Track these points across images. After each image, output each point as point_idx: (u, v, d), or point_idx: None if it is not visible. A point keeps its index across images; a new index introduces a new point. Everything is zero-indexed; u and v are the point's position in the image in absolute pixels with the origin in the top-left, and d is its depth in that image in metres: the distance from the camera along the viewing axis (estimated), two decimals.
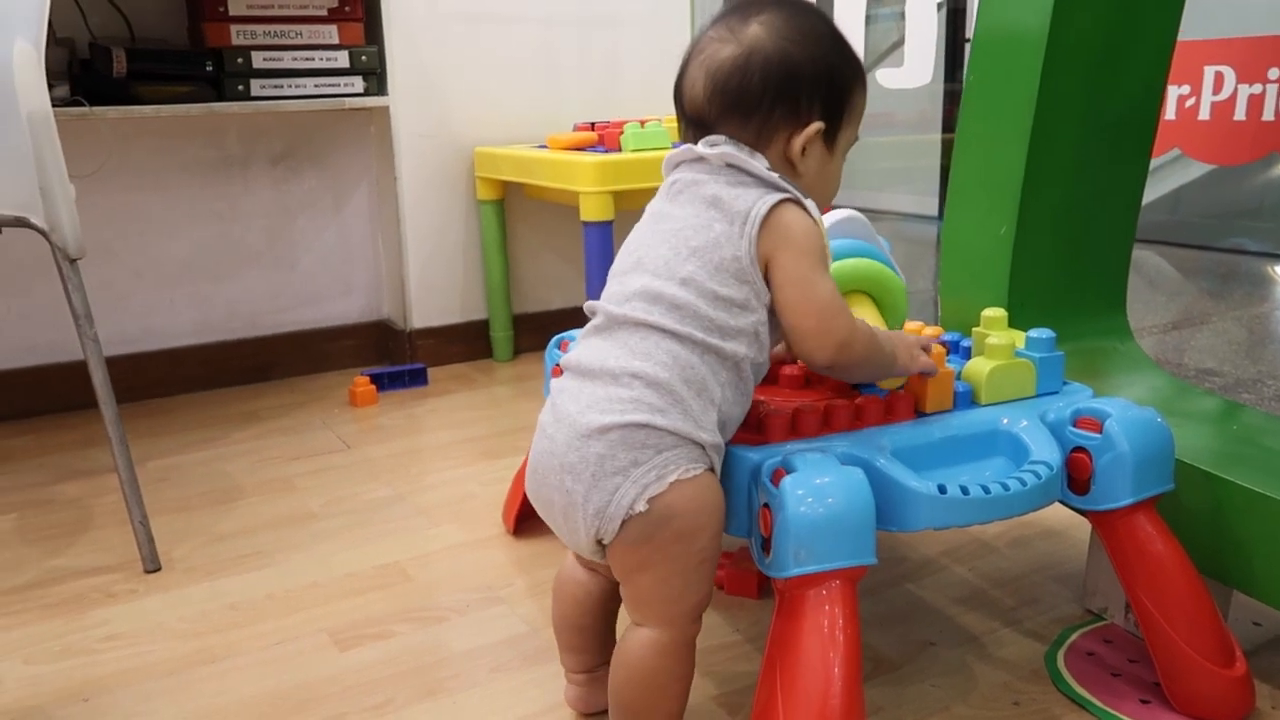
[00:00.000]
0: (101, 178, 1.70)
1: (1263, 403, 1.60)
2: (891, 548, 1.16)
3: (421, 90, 1.86)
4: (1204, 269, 2.68)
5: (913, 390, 0.84)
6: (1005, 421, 0.83)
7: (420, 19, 1.83)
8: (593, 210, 1.59)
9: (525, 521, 1.21)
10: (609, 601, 0.84)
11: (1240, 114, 1.37)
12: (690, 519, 0.71)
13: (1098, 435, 0.80)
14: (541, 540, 1.20)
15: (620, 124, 1.72)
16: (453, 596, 1.08)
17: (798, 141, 0.78)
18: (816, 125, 0.78)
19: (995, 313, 0.90)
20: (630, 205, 1.39)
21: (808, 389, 0.88)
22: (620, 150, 1.65)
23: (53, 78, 1.14)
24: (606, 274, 0.80)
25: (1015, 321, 0.98)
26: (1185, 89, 1.43)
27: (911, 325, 1.00)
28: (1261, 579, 0.83)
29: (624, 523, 0.71)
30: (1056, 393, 0.88)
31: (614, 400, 0.71)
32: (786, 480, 0.70)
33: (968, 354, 0.95)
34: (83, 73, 1.61)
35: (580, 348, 0.77)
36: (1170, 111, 1.45)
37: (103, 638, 1.02)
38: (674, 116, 0.83)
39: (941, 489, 0.73)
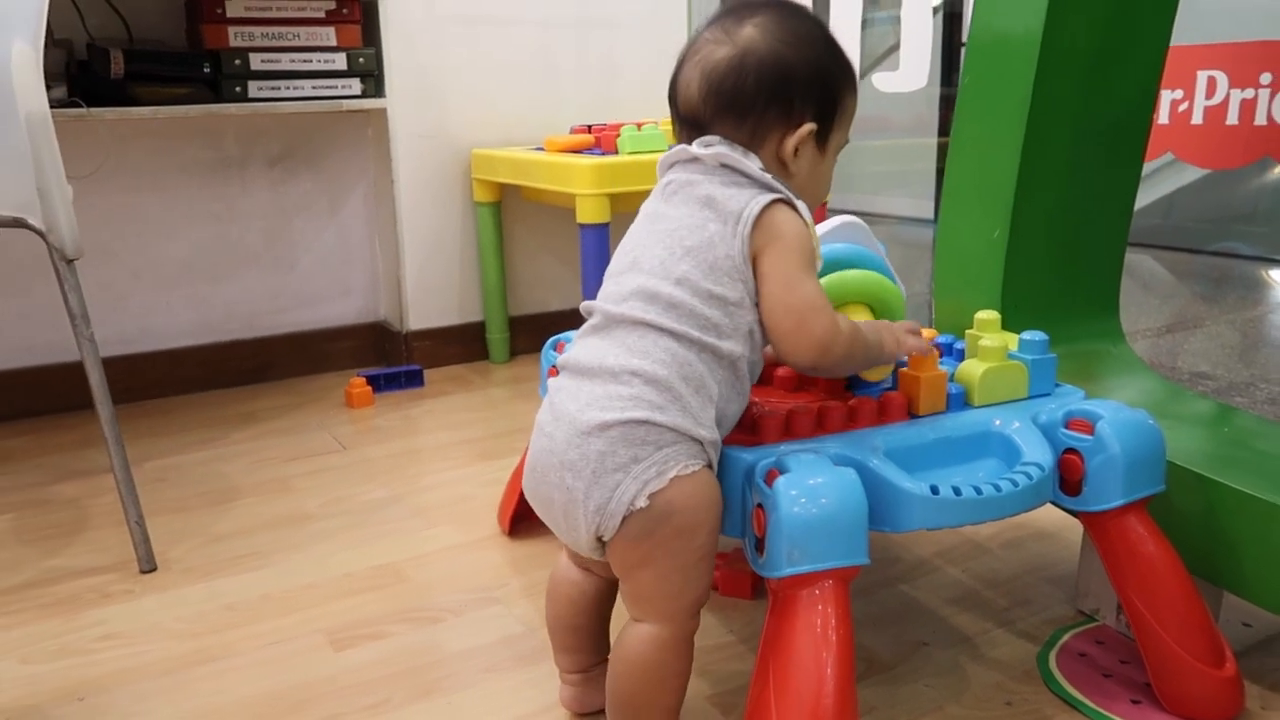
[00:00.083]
0: (99, 179, 1.70)
1: (1255, 406, 1.61)
2: (885, 549, 1.17)
3: (419, 92, 1.86)
4: (1198, 273, 2.70)
5: (906, 392, 0.85)
6: (998, 423, 0.83)
7: (418, 21, 1.84)
8: (589, 212, 1.60)
9: (521, 522, 1.21)
10: (603, 601, 0.85)
11: (1233, 118, 1.38)
12: (690, 515, 0.72)
13: (1089, 437, 0.81)
14: (537, 541, 1.20)
15: (617, 126, 1.72)
16: (448, 597, 1.09)
17: (790, 142, 0.79)
18: (809, 126, 0.79)
19: (988, 315, 0.91)
20: (627, 208, 1.40)
21: (801, 390, 0.88)
22: (617, 153, 1.66)
23: (50, 79, 1.14)
24: (603, 276, 0.80)
25: (1008, 324, 0.99)
26: (1178, 93, 1.44)
27: None
28: (1252, 580, 0.84)
29: (625, 519, 0.71)
30: (1049, 395, 0.89)
31: (613, 397, 0.72)
32: (780, 481, 0.71)
33: (961, 356, 0.95)
34: (80, 74, 1.61)
35: (577, 347, 0.77)
36: (1163, 116, 1.46)
37: (99, 637, 1.02)
38: (670, 119, 0.84)
39: (934, 490, 0.74)
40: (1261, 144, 1.36)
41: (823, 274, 0.86)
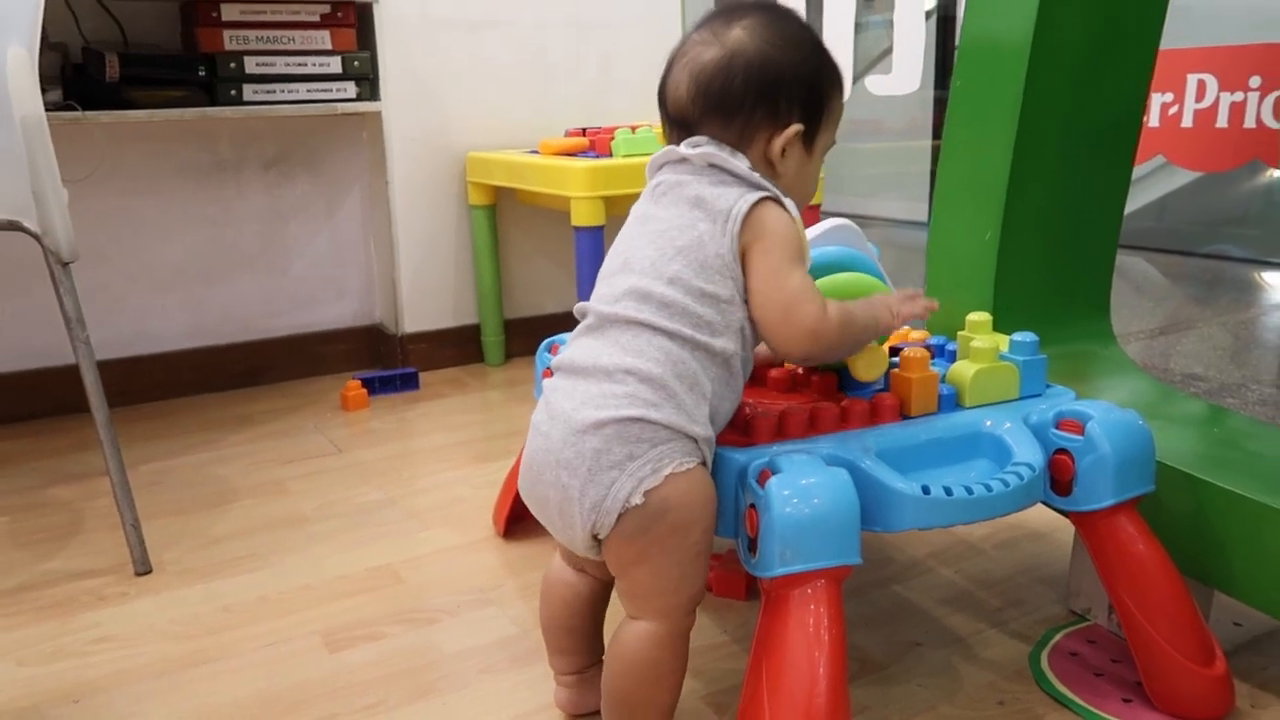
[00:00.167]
0: (94, 182, 1.70)
1: (1247, 407, 1.62)
2: (879, 550, 1.17)
3: (414, 95, 1.87)
4: (1190, 275, 2.71)
5: (898, 393, 0.85)
6: (989, 424, 0.84)
7: (413, 24, 1.84)
8: (584, 215, 1.60)
9: (516, 524, 1.22)
10: (597, 602, 0.85)
11: (1222, 121, 1.39)
12: (685, 512, 0.72)
13: (1080, 437, 0.81)
14: (532, 542, 1.21)
15: (611, 129, 1.73)
16: (444, 598, 1.09)
17: (778, 142, 0.79)
18: (796, 127, 0.79)
19: (980, 317, 0.92)
20: (621, 210, 1.40)
21: (794, 391, 0.89)
22: (611, 155, 1.66)
23: (46, 82, 1.14)
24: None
25: (1000, 325, 0.99)
26: (1169, 96, 1.45)
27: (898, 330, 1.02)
28: (1242, 580, 0.84)
29: (620, 516, 0.72)
30: (1040, 395, 0.89)
31: (608, 396, 0.72)
32: (772, 481, 0.71)
33: (953, 357, 0.96)
34: (76, 77, 1.61)
35: (572, 348, 0.78)
36: (1154, 119, 1.47)
37: (95, 640, 1.02)
38: (660, 121, 0.85)
39: (925, 490, 0.74)
40: (1251, 147, 1.37)
41: (813, 277, 0.86)
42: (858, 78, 2.97)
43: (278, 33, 1.69)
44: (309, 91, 1.72)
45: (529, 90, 1.99)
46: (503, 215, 1.98)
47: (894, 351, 0.92)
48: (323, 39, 1.73)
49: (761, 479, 0.73)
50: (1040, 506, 0.84)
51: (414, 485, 1.41)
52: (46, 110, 1.10)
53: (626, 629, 0.76)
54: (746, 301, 0.77)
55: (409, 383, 1.86)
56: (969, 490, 0.75)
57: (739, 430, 0.80)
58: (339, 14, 1.74)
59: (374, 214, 1.98)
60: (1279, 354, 1.98)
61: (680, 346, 0.74)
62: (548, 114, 2.00)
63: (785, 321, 0.76)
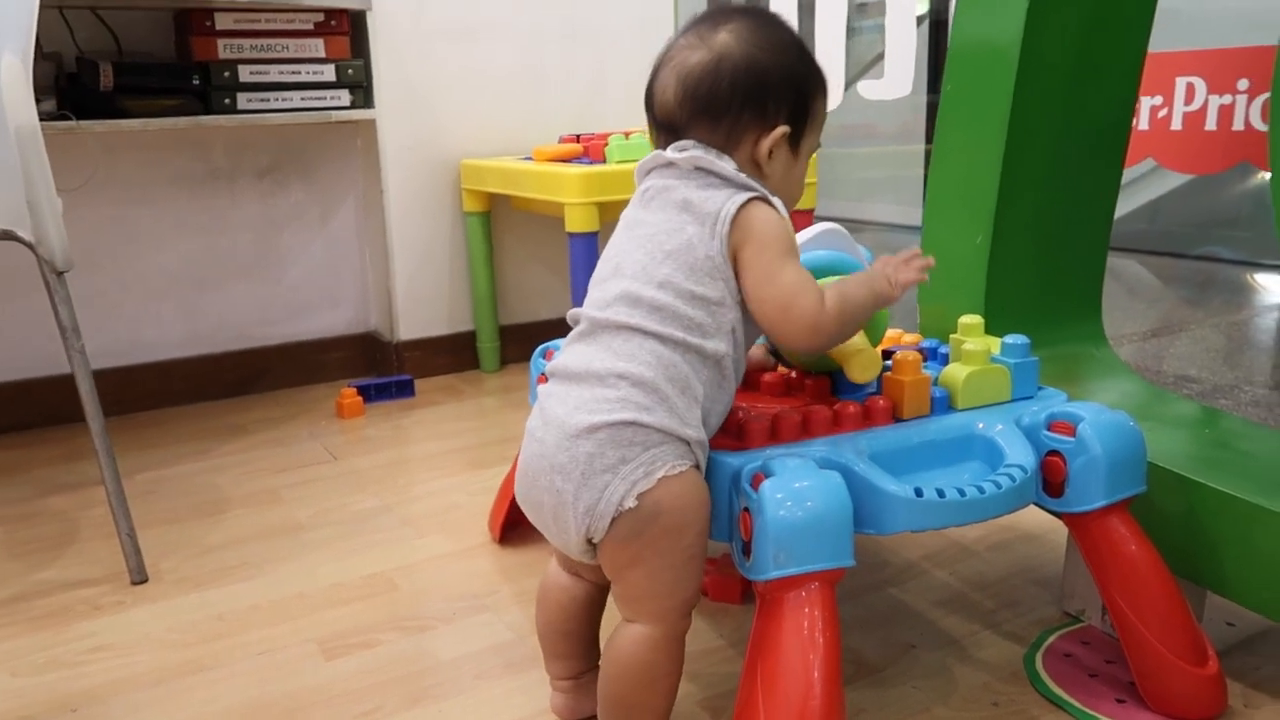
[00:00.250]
0: (89, 191, 1.70)
1: (1239, 408, 1.62)
2: (874, 552, 1.18)
3: (408, 103, 1.87)
4: (1182, 277, 2.72)
5: (890, 396, 0.86)
6: (981, 426, 0.84)
7: (406, 32, 1.85)
8: (578, 221, 1.61)
9: (511, 530, 1.22)
10: (593, 607, 0.86)
11: (1211, 124, 1.40)
12: (678, 514, 0.73)
13: (1071, 439, 0.82)
14: (527, 549, 1.21)
15: (605, 136, 1.73)
16: (439, 605, 1.09)
17: (765, 144, 0.80)
18: (783, 129, 0.80)
19: (972, 319, 0.92)
20: (615, 216, 1.40)
21: (787, 395, 0.89)
22: (605, 162, 1.67)
23: (40, 92, 1.15)
24: None
25: (992, 328, 1.00)
26: (1158, 99, 1.46)
27: (891, 333, 1.02)
28: (1234, 580, 0.85)
29: (614, 519, 0.72)
30: (1031, 398, 0.90)
31: (601, 400, 0.73)
32: (765, 484, 0.71)
33: (945, 360, 0.96)
34: (70, 87, 1.61)
35: (565, 354, 0.78)
36: (1144, 122, 1.48)
37: (90, 649, 1.02)
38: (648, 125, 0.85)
39: (918, 492, 0.75)
40: (1240, 149, 1.38)
41: None
42: (850, 83, 2.97)
43: (271, 41, 1.69)
44: (303, 100, 1.73)
45: (523, 97, 1.99)
46: (497, 222, 1.99)
47: (887, 355, 0.92)
48: (316, 47, 1.74)
49: (755, 482, 0.73)
50: (1034, 508, 0.84)
51: (409, 492, 1.41)
52: (41, 120, 1.11)
53: (622, 632, 0.76)
54: (738, 303, 0.77)
55: (404, 390, 1.86)
56: (961, 492, 0.76)
57: (732, 434, 0.81)
58: (333, 22, 1.74)
59: (368, 221, 1.98)
60: (1271, 355, 1.99)
61: (672, 349, 0.74)
62: (541, 121, 2.01)
63: (785, 319, 0.76)
